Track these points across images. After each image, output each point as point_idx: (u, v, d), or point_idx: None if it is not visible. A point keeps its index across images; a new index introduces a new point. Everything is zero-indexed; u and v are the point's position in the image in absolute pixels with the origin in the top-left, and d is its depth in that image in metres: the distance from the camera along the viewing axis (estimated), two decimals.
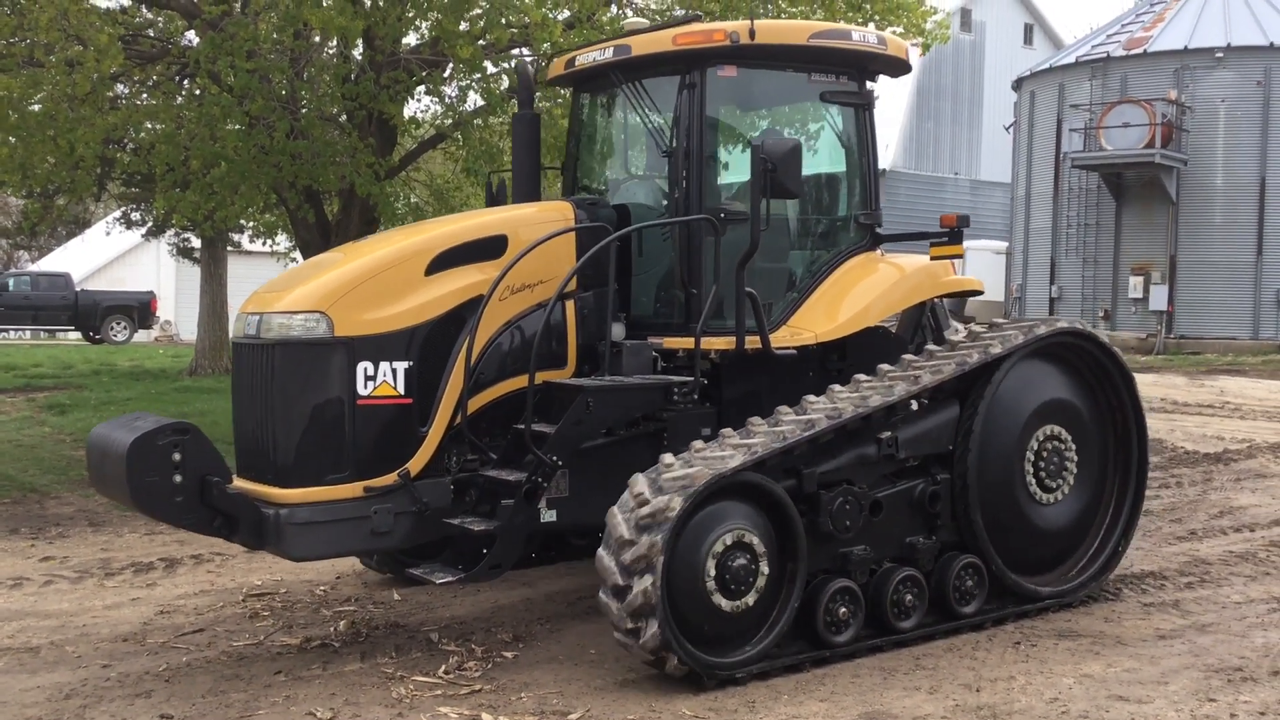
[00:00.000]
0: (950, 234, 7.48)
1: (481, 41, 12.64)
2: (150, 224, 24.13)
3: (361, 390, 5.88)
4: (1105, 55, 31.85)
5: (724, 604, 5.75)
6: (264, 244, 19.99)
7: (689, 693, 5.73)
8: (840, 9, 15.10)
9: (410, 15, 12.18)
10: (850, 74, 7.29)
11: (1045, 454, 7.10)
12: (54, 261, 46.25)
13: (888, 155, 39.85)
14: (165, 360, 25.44)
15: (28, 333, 37.09)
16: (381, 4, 11.95)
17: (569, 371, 6.59)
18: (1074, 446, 7.21)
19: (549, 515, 6.19)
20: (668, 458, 5.87)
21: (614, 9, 15.51)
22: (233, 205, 13.36)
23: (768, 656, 5.96)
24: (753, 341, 6.60)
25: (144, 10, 14.68)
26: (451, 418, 6.11)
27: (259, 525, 5.81)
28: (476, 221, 6.64)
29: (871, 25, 15.52)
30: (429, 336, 6.09)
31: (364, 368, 5.88)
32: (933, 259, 7.50)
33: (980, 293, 7.96)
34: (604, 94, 7.55)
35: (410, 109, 14.69)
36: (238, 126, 12.49)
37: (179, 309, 41.46)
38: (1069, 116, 31.94)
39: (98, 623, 7.10)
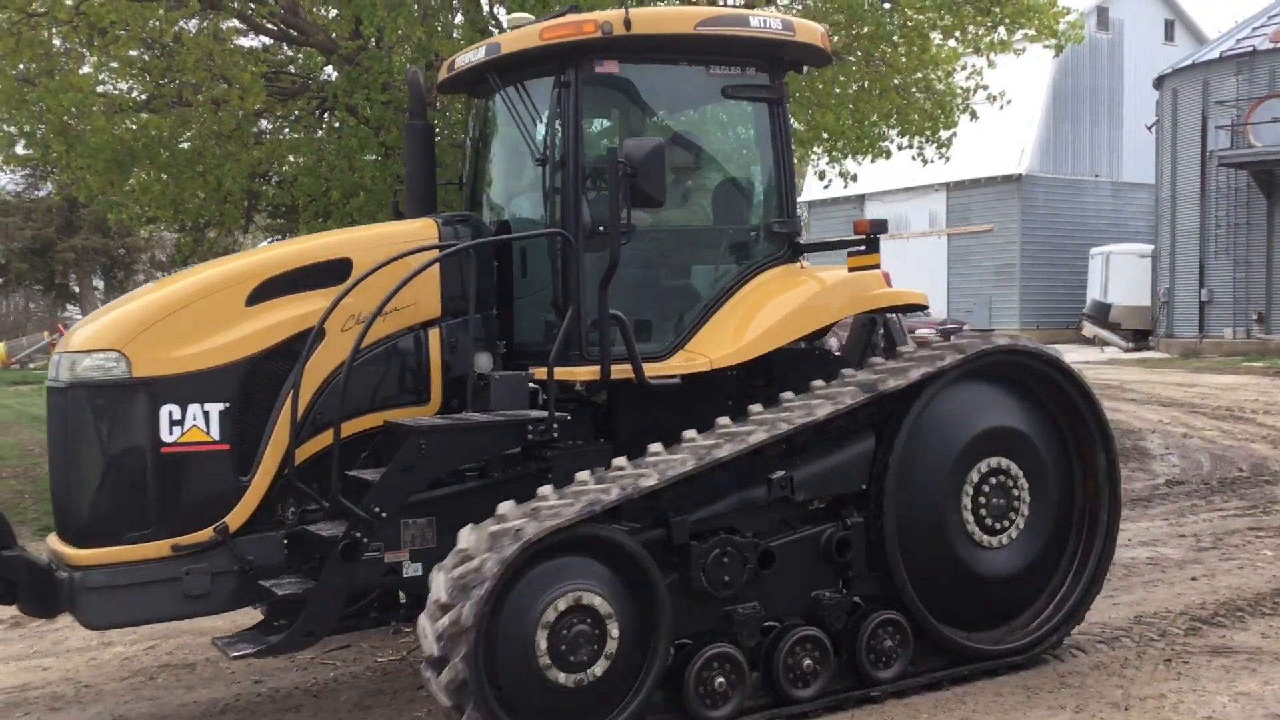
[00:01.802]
0: (866, 242, 6.48)
1: None
2: None
3: (166, 437, 5.20)
4: (1251, 49, 30.60)
5: (563, 678, 4.94)
6: None
7: None
8: (968, 13, 14.86)
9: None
10: (759, 66, 6.37)
11: (988, 491, 6.10)
12: None
13: (1024, 160, 38.96)
14: None
15: None
16: None
17: (432, 408, 5.84)
18: (1025, 482, 6.21)
19: (412, 569, 5.46)
20: (504, 507, 5.08)
21: None
22: None
23: None
24: (623, 370, 5.74)
25: (284, 48, 15.25)
26: (282, 464, 5.40)
27: (46, 591, 5.22)
28: (315, 244, 5.97)
29: (1001, 29, 15.24)
30: (250, 374, 5.38)
31: (169, 411, 5.21)
32: (850, 270, 6.51)
33: (925, 307, 6.94)
34: (489, 99, 6.69)
35: None
36: (374, 157, 12.87)
37: None
38: (1214, 113, 30.77)
39: None
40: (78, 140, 13.11)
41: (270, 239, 26.20)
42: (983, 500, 6.09)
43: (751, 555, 5.51)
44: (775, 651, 5.55)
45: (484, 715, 4.76)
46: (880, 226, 6.48)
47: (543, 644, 4.88)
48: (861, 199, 42.01)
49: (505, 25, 6.70)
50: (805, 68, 6.99)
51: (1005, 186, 39.33)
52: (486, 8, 13.84)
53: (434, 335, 5.85)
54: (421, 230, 5.99)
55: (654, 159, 5.40)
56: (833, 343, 7.23)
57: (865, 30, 14.74)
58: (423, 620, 4.91)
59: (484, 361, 5.92)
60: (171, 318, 5.29)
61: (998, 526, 6.14)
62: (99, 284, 50.12)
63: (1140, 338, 33.93)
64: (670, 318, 6.23)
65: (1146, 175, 37.09)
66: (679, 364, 5.98)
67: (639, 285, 6.18)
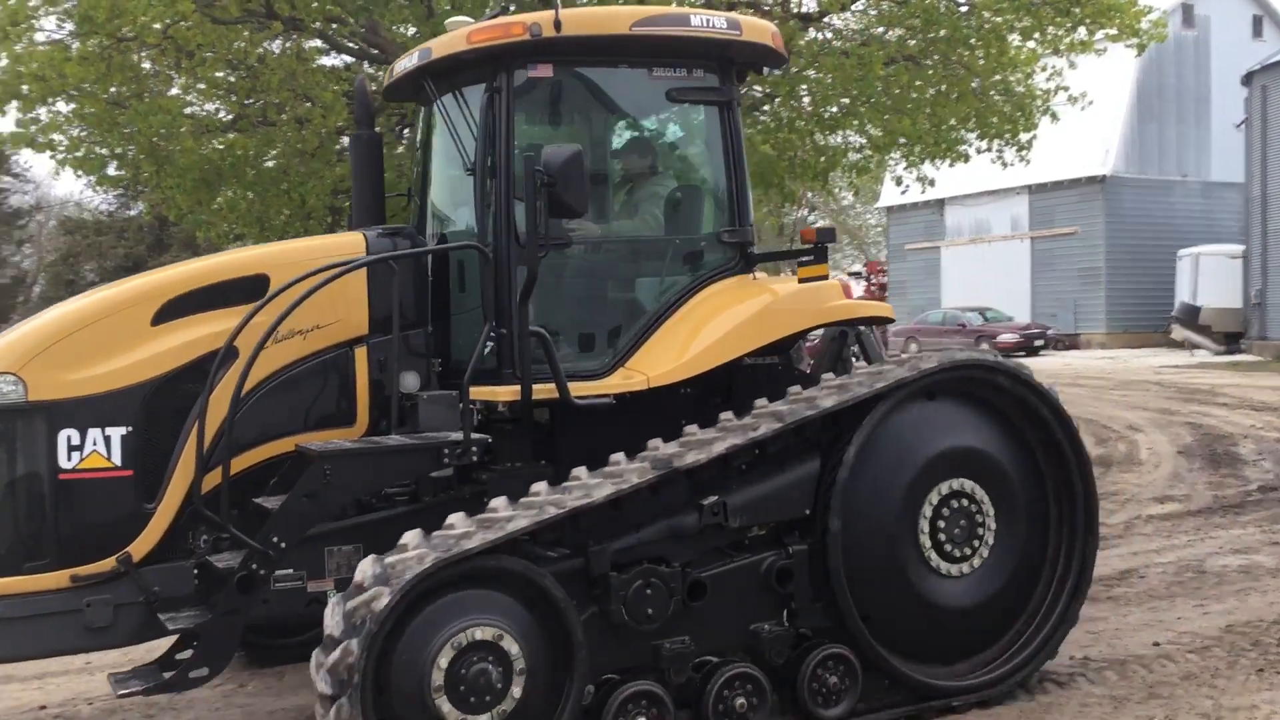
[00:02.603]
0: (813, 251, 6.11)
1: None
2: None
3: (64, 463, 4.94)
4: None
5: None
6: None
7: None
8: (1047, 14, 14.68)
9: None
10: (707, 67, 6.02)
11: (948, 515, 5.68)
12: None
13: (1108, 160, 38.28)
14: None
15: None
16: None
17: (359, 430, 5.55)
18: (991, 507, 5.77)
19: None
20: (409, 536, 4.72)
21: (812, 32, 15.53)
22: None
23: None
24: (546, 390, 5.42)
25: (365, 66, 15.55)
26: (189, 491, 5.11)
27: None
28: (230, 260, 5.72)
29: (1081, 30, 15.02)
30: (156, 396, 5.11)
31: (67, 436, 4.94)
32: (800, 281, 6.11)
33: (891, 320, 6.45)
34: (431, 106, 6.35)
35: None
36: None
37: None
38: None
39: None
40: (167, 160, 13.51)
41: None
42: (942, 525, 5.66)
43: (679, 586, 5.14)
44: (706, 690, 5.15)
45: None
46: (828, 235, 6.14)
47: (439, 683, 4.53)
48: (941, 204, 41.60)
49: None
50: (765, 70, 6.70)
51: (1089, 188, 38.67)
52: None
53: (361, 353, 5.56)
54: (347, 244, 5.73)
55: (573, 167, 5.11)
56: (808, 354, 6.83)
57: (942, 33, 14.64)
58: (316, 654, 4.61)
59: (410, 381, 5.58)
60: (71, 338, 5.04)
61: (959, 554, 5.70)
62: None
63: (1231, 341, 33.11)
64: (612, 333, 5.90)
65: (1236, 174, 36.21)
66: (616, 382, 5.65)
67: (579, 298, 5.94)
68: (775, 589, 5.40)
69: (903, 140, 15.56)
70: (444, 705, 4.52)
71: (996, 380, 5.85)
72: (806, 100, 15.65)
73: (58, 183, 64.06)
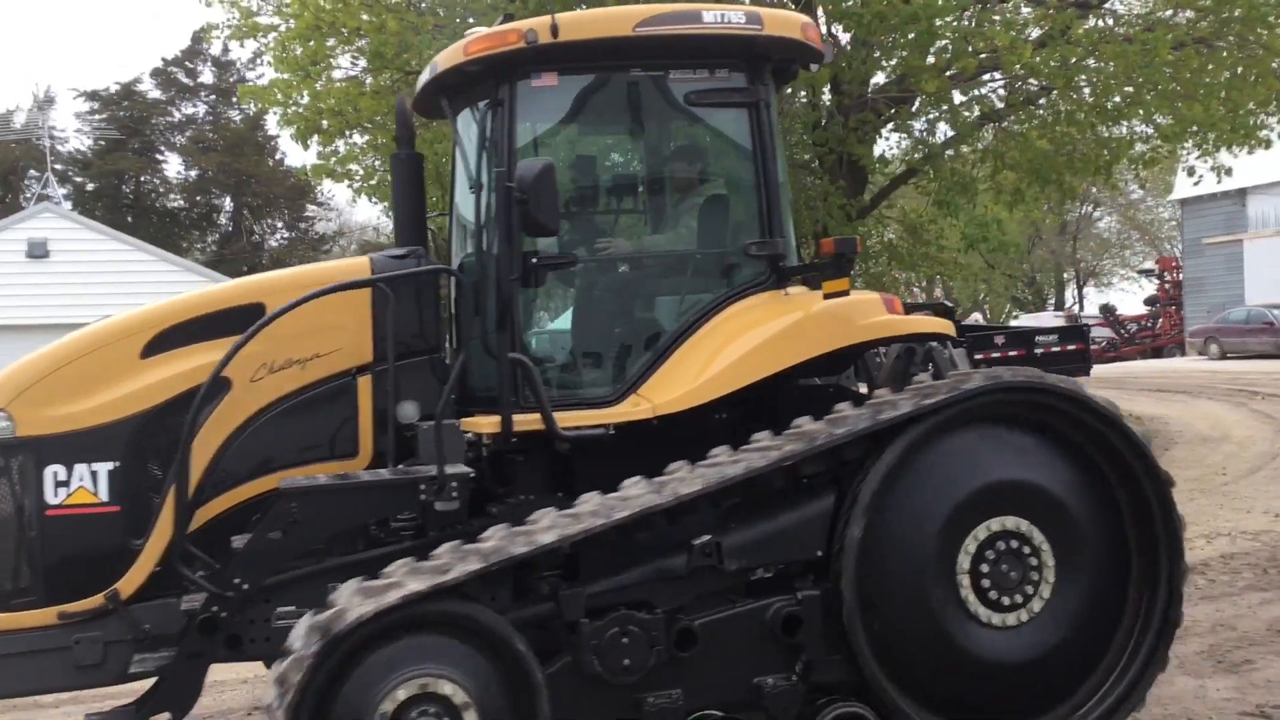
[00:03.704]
0: (834, 264, 5.50)
1: (948, 73, 12.50)
2: None
3: (51, 499, 4.86)
4: None
5: None
6: None
7: None
8: None
9: (876, 56, 12.32)
10: (732, 66, 5.54)
11: (994, 559, 5.02)
12: None
13: None
14: None
15: None
16: (848, 49, 12.18)
17: (362, 462, 5.30)
18: (1048, 546, 5.08)
19: None
20: (348, 586, 4.47)
21: (1090, 20, 14.81)
22: None
23: None
24: (529, 421, 5.04)
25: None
26: (176, 527, 4.98)
27: None
28: (226, 290, 5.54)
29: None
30: (143, 431, 4.98)
31: (54, 472, 4.87)
32: (825, 297, 5.52)
33: (951, 337, 5.70)
34: (452, 122, 6.07)
35: (879, 148, 14.80)
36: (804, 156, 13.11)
37: None
38: None
39: None
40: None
41: None
42: (985, 570, 5.01)
43: (662, 634, 4.70)
44: None
45: None
46: (848, 245, 5.49)
47: None
48: (1243, 193, 38.70)
49: None
50: (803, 67, 6.09)
51: None
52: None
53: (364, 382, 5.29)
54: (350, 268, 5.51)
55: (543, 182, 4.78)
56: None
57: (1236, 13, 13.64)
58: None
59: (408, 410, 5.26)
60: (59, 373, 4.98)
61: (1008, 602, 5.03)
62: None
63: None
64: (627, 357, 5.48)
65: None
66: (622, 411, 5.20)
67: (592, 321, 5.62)
68: (781, 639, 4.89)
69: (1195, 128, 14.58)
70: None
71: (1056, 404, 5.16)
72: (1086, 91, 14.93)
73: (355, 210, 68.98)
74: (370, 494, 4.89)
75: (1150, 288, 44.15)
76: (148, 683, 4.99)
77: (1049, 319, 35.76)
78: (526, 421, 5.02)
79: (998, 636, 5.00)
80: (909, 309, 5.90)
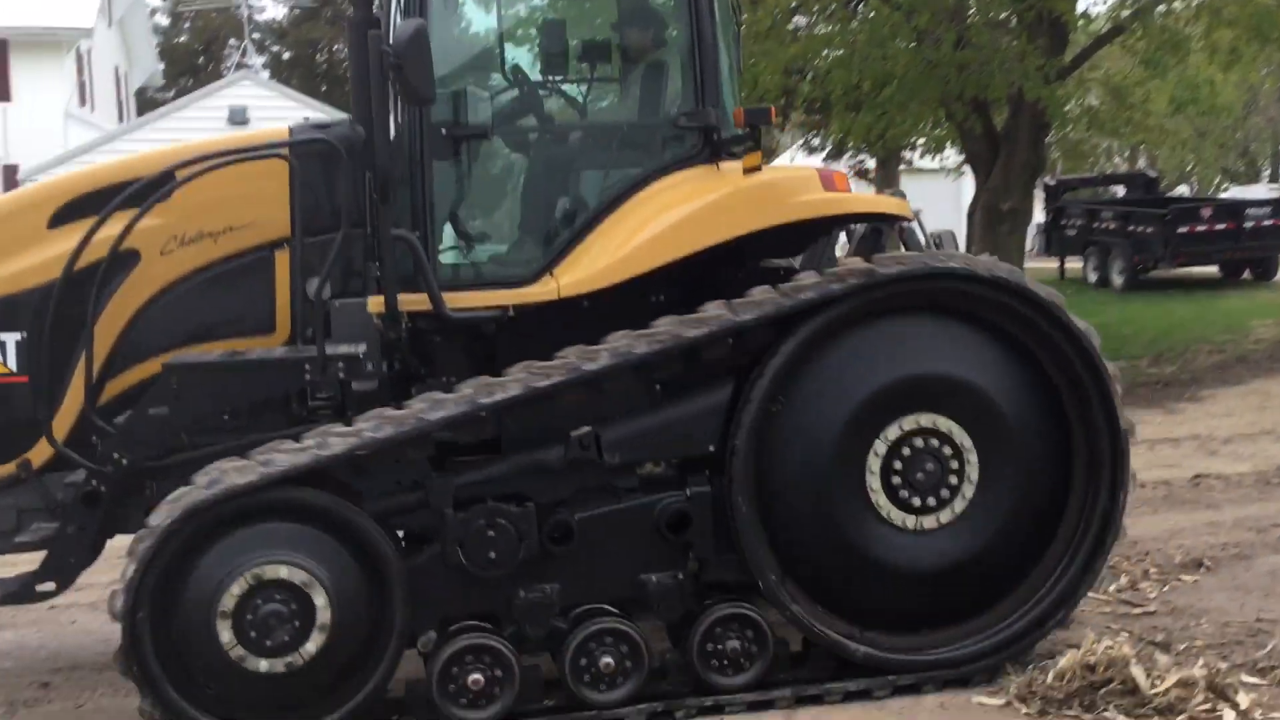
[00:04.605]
0: (748, 135, 5.11)
1: None
2: (829, 148, 25.38)
3: None
4: None
5: (263, 665, 4.26)
6: (934, 160, 20.19)
7: None
8: None
9: None
10: None
11: (907, 458, 4.73)
12: None
13: None
14: None
15: None
16: None
17: (279, 339, 5.05)
18: (973, 447, 4.74)
19: None
20: (217, 464, 4.39)
21: None
22: (903, 124, 13.67)
23: None
24: (416, 301, 4.77)
25: None
26: (85, 400, 4.87)
27: None
28: (137, 159, 5.25)
29: None
30: (50, 301, 4.82)
31: None
32: (746, 171, 5.05)
33: (900, 218, 5.22)
34: None
35: (1083, 3, 13.97)
36: (907, 44, 12.72)
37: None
38: None
39: None
40: None
41: (805, 135, 26.82)
42: (898, 468, 4.75)
43: (532, 528, 4.57)
44: (563, 645, 4.59)
45: (154, 706, 4.29)
46: (759, 115, 5.13)
47: (225, 633, 4.26)
48: None
49: None
50: None
51: None
52: None
53: (282, 257, 5.03)
54: (265, 136, 5.25)
55: (415, 46, 4.38)
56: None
57: None
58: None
59: (315, 286, 4.95)
60: None
61: (921, 504, 4.76)
62: None
63: None
64: (547, 235, 5.16)
65: None
66: (529, 292, 4.90)
67: (510, 196, 5.32)
68: (669, 536, 4.72)
69: None
70: (231, 641, 4.28)
71: (990, 294, 4.79)
72: None
73: None
74: (255, 373, 4.77)
75: None
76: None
77: (1263, 191, 33.42)
78: (415, 301, 4.77)
79: (909, 540, 4.78)
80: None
